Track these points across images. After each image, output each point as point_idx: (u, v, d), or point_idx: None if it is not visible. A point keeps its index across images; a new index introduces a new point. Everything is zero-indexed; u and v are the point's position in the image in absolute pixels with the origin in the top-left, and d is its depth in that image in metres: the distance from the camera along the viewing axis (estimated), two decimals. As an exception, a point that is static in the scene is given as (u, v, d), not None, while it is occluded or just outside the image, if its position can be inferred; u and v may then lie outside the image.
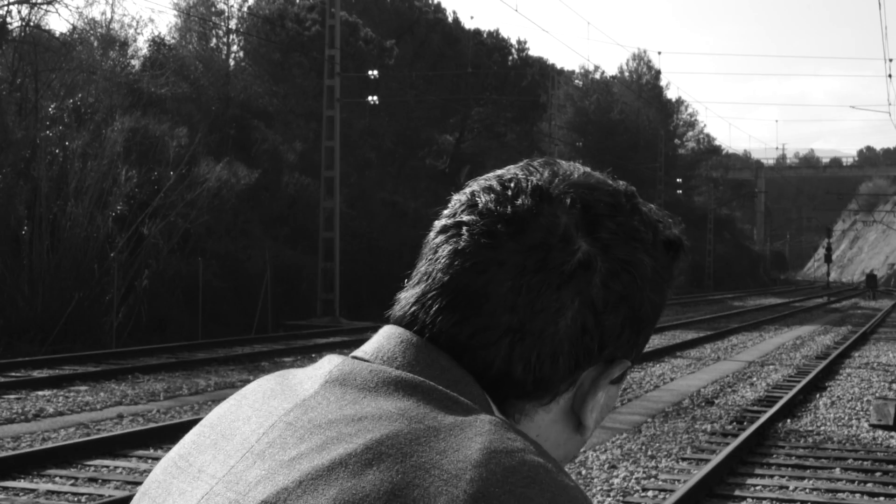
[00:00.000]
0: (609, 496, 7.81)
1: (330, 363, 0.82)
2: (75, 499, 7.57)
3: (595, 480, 8.30)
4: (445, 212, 0.88)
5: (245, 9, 36.68)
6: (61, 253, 19.13)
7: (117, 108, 22.13)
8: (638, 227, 0.86)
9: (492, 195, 0.85)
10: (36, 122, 20.46)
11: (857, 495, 8.15)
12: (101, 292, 19.49)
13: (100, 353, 16.52)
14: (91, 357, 16.15)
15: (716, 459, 8.54)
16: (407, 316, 0.85)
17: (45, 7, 22.71)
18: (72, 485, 8.00)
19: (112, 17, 44.80)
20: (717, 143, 75.76)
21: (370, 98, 29.32)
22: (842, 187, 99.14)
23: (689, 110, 70.12)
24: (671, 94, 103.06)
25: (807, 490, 8.25)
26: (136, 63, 29.25)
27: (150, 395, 12.60)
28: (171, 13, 43.54)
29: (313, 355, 17.49)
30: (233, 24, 36.67)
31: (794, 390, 13.31)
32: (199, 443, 0.83)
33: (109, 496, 7.53)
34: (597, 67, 71.59)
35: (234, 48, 36.56)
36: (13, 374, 14.25)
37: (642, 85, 65.08)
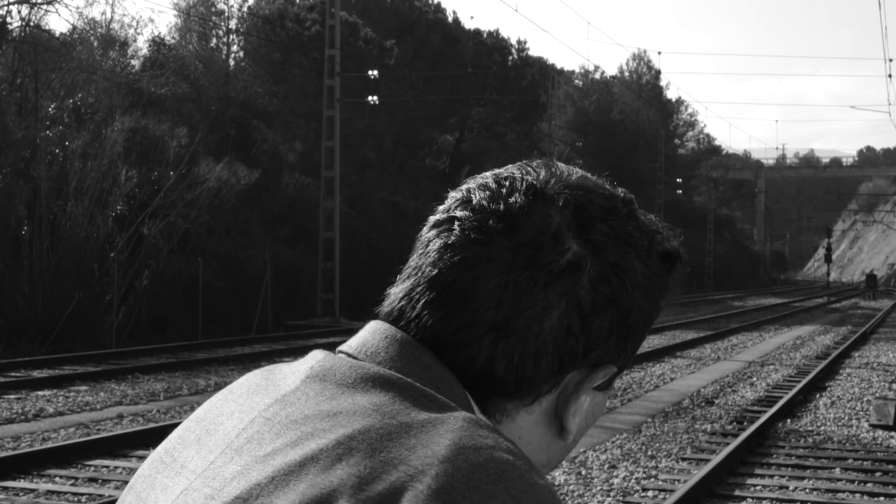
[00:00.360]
0: (609, 496, 7.81)
1: (313, 358, 0.83)
2: (75, 499, 7.57)
3: (595, 480, 8.30)
4: (440, 207, 0.88)
5: (245, 9, 36.72)
6: (61, 253, 19.13)
7: (117, 108, 22.13)
8: (632, 232, 0.86)
9: (486, 192, 0.85)
10: (36, 122, 20.45)
11: (857, 495, 8.15)
12: (101, 292, 19.48)
13: (100, 353, 16.52)
14: (91, 357, 16.15)
15: (716, 459, 8.54)
16: (395, 311, 0.85)
17: (45, 7, 22.74)
18: (72, 485, 7.99)
19: (112, 17, 44.85)
20: (717, 143, 75.86)
21: (370, 98, 29.33)
22: (842, 187, 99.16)
23: (689, 110, 70.22)
24: (671, 94, 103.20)
25: (807, 490, 8.24)
26: (136, 63, 29.27)
27: (150, 395, 12.60)
28: (171, 13, 43.57)
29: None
30: (233, 24, 36.71)
31: (794, 390, 13.30)
32: (184, 438, 0.83)
33: (109, 496, 7.53)
34: (597, 67, 71.66)
35: (234, 48, 36.60)
36: (13, 374, 14.24)
37: (642, 85, 65.08)
